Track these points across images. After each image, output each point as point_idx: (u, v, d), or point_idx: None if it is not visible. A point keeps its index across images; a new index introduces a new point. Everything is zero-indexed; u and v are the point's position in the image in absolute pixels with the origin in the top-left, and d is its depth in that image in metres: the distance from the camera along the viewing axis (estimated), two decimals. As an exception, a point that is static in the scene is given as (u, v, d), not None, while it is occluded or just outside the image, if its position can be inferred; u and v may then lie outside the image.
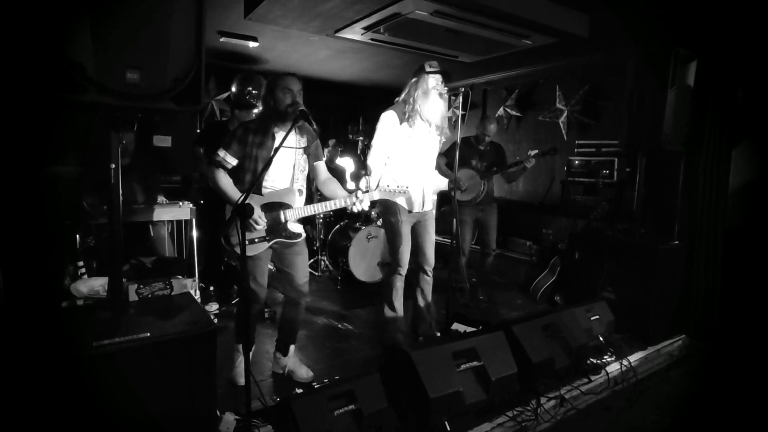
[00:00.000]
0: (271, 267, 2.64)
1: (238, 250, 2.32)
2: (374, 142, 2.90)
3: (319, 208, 2.51)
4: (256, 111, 3.69)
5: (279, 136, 2.38)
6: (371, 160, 2.89)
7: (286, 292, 2.67)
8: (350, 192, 2.50)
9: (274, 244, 2.47)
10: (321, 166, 2.63)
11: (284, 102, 2.34)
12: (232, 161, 2.37)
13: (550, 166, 5.17)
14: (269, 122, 2.40)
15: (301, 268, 2.59)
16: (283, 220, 2.43)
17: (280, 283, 2.64)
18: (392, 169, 2.90)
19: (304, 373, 2.68)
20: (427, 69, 2.84)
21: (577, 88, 4.94)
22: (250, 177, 2.37)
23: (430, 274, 3.10)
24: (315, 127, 2.46)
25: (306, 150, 2.51)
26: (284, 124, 2.38)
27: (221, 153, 2.35)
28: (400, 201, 2.89)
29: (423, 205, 2.98)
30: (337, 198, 2.49)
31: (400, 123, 2.86)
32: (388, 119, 2.87)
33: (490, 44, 4.02)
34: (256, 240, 2.38)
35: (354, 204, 2.44)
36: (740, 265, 3.57)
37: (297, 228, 2.51)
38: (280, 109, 2.35)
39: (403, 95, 2.92)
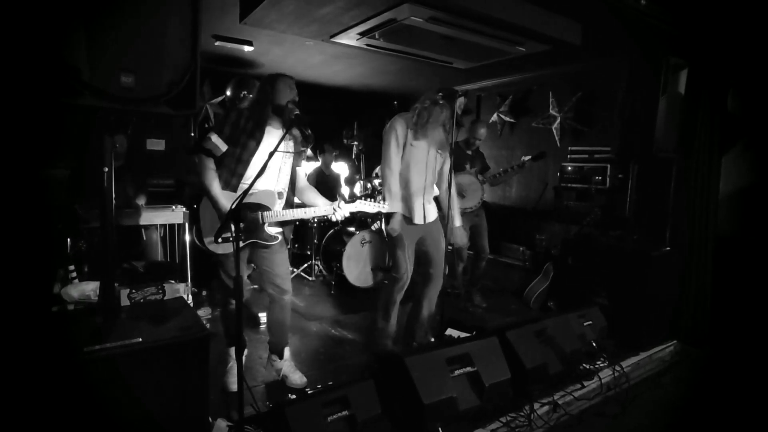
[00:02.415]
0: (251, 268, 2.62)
1: (212, 248, 2.36)
2: (389, 154, 2.83)
3: (298, 214, 2.46)
4: None
5: (269, 130, 2.37)
6: (388, 173, 2.81)
7: (268, 291, 2.62)
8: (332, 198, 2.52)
9: (248, 245, 2.44)
10: (300, 172, 2.61)
11: (286, 97, 2.33)
12: (223, 147, 2.30)
13: (543, 171, 5.21)
14: (265, 114, 2.36)
15: (281, 265, 2.55)
16: (260, 222, 2.40)
17: (262, 282, 2.61)
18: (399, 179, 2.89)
19: (298, 378, 2.66)
20: (458, 109, 2.83)
21: (570, 95, 4.99)
22: (233, 164, 2.33)
23: (440, 284, 3.05)
24: (309, 132, 2.45)
25: (293, 154, 2.50)
26: (278, 119, 2.37)
27: (213, 138, 2.28)
28: (405, 212, 2.87)
29: (425, 217, 2.94)
30: (317, 206, 2.51)
31: (408, 133, 2.84)
32: (400, 129, 2.82)
33: (485, 51, 4.06)
34: (230, 239, 2.31)
35: (334, 212, 2.45)
36: (731, 271, 3.61)
37: (273, 231, 2.47)
38: (280, 103, 2.32)
39: (417, 110, 2.84)
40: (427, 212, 2.95)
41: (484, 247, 4.15)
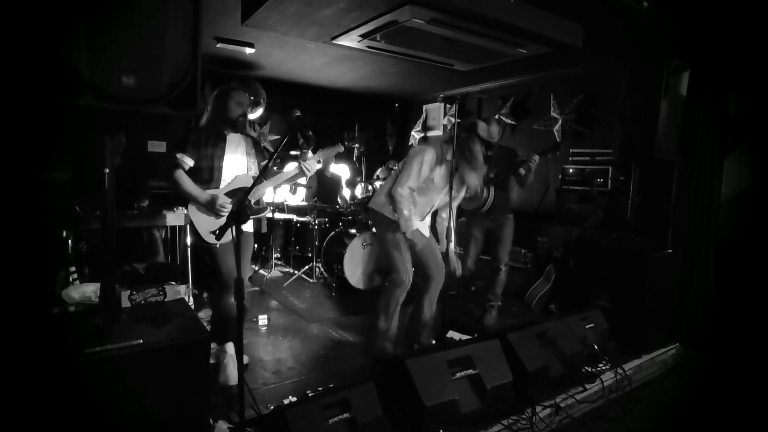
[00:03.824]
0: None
1: (212, 241, 2.55)
2: (410, 175, 2.86)
3: (275, 181, 2.75)
4: None
5: (230, 138, 2.71)
6: (405, 193, 2.84)
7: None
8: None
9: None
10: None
11: (236, 113, 2.68)
12: (189, 162, 2.61)
13: (544, 174, 5.20)
14: (220, 126, 2.69)
15: (246, 264, 2.82)
16: (246, 202, 2.55)
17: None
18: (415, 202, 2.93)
19: (232, 378, 2.59)
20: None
21: (571, 97, 4.98)
22: (207, 174, 2.64)
23: (441, 284, 3.06)
24: (310, 134, 2.52)
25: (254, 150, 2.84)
26: (233, 130, 2.72)
27: (179, 155, 2.59)
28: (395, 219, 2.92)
29: (424, 230, 3.02)
30: (287, 170, 2.77)
31: (435, 163, 2.90)
32: (430, 158, 2.88)
33: (486, 53, 4.05)
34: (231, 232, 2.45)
35: (305, 168, 2.67)
36: (733, 274, 3.60)
37: (258, 204, 2.79)
38: (231, 118, 2.68)
39: (444, 140, 2.96)
40: (422, 227, 3.03)
41: (497, 256, 3.83)
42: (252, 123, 2.43)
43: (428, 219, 3.12)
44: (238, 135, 2.75)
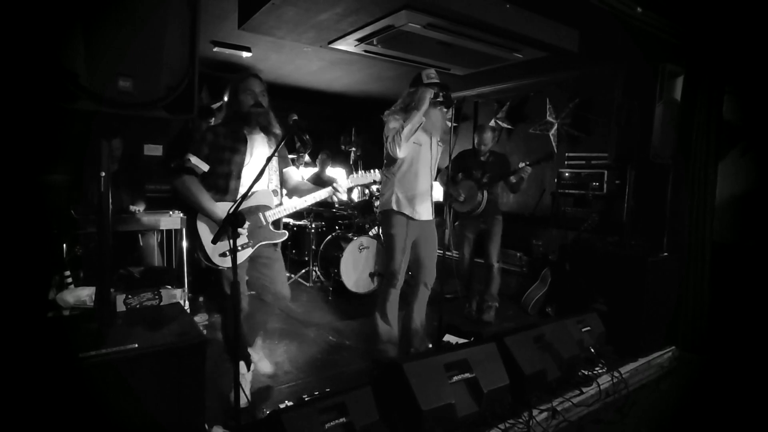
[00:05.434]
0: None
1: (219, 263, 2.31)
2: (389, 132, 2.81)
3: (299, 203, 2.48)
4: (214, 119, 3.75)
5: (250, 138, 2.38)
6: (395, 137, 2.76)
7: (266, 299, 2.59)
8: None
9: (252, 253, 2.43)
10: (291, 171, 2.63)
11: (247, 104, 2.34)
12: (204, 167, 2.29)
13: (540, 177, 5.22)
14: (238, 126, 2.38)
15: (281, 271, 2.57)
16: (264, 222, 2.39)
17: (261, 291, 2.58)
18: (399, 176, 2.91)
19: (266, 366, 2.72)
20: (425, 80, 2.86)
21: (567, 102, 5.02)
22: (224, 182, 2.32)
23: (430, 288, 3.06)
24: (307, 138, 2.47)
25: (279, 153, 2.51)
26: (251, 126, 2.38)
27: (192, 159, 2.26)
28: (407, 211, 2.89)
29: (430, 213, 2.99)
30: (315, 192, 2.50)
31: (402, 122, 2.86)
32: (395, 121, 2.83)
33: (482, 57, 4.08)
34: (239, 248, 2.30)
35: (335, 193, 2.47)
36: (731, 278, 3.62)
37: (278, 228, 2.51)
38: (243, 111, 2.35)
39: (399, 104, 2.93)
40: (430, 209, 3.00)
41: (489, 253, 3.97)
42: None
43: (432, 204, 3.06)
44: (261, 135, 2.41)
